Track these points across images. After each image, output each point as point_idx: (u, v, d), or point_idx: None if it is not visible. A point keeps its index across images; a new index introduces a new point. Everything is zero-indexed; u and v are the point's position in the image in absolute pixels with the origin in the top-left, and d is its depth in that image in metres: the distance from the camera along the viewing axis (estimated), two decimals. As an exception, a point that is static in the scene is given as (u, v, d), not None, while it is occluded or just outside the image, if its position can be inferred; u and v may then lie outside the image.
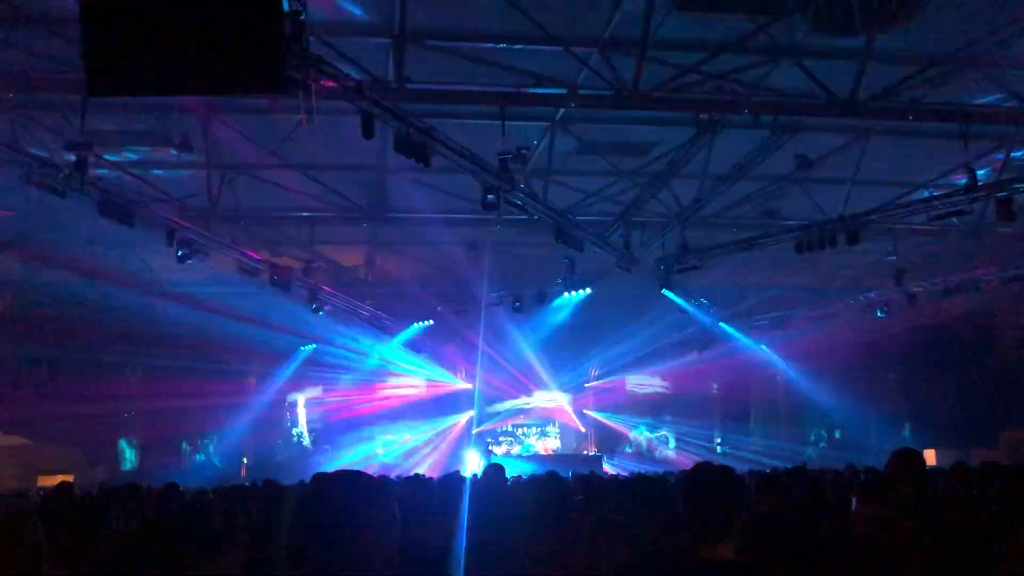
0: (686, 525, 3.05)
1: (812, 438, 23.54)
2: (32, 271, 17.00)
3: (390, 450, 23.23)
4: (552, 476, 7.46)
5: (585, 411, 25.10)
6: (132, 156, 13.22)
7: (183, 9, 6.27)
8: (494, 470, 6.67)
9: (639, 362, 23.61)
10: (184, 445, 21.66)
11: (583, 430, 25.02)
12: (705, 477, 3.15)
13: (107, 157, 12.40)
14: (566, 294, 16.91)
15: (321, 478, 2.20)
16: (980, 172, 12.29)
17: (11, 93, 10.44)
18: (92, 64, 6.44)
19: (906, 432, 20.95)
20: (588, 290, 16.82)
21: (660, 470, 15.29)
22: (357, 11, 10.02)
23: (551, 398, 24.64)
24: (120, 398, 19.91)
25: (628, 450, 24.67)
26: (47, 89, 10.33)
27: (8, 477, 16.38)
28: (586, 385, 25.05)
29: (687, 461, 19.59)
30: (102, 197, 11.46)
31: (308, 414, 23.73)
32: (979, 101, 11.49)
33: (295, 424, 23.52)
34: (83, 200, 11.41)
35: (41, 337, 17.29)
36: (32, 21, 9.29)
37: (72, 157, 10.81)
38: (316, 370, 22.33)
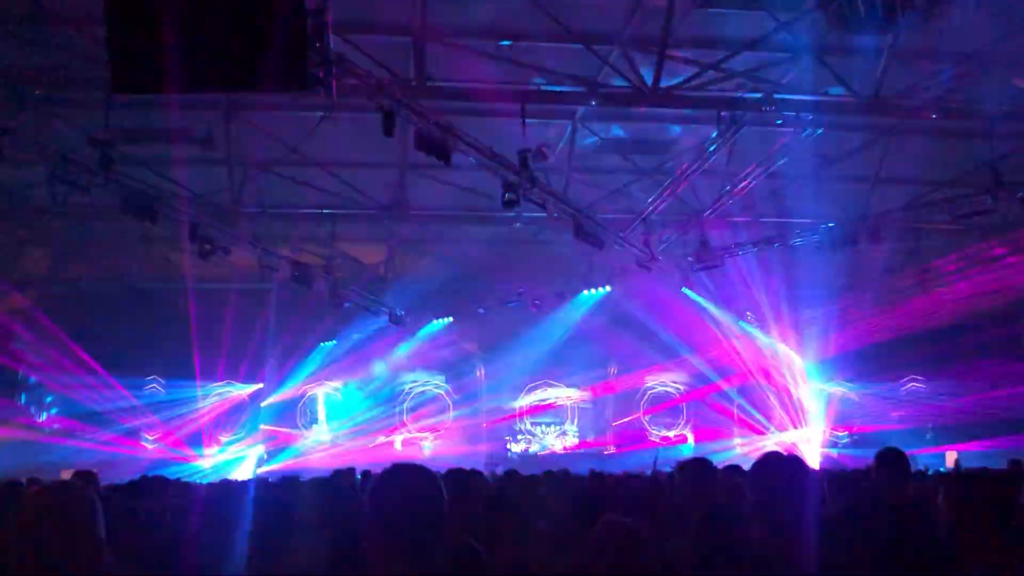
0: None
1: (833, 436, 23.33)
2: (57, 268, 17.23)
3: (408, 446, 23.27)
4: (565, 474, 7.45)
5: (605, 409, 25.03)
6: (155, 153, 13.31)
7: (206, 7, 6.32)
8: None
9: (659, 360, 23.53)
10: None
11: (602, 428, 24.95)
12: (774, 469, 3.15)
13: (130, 154, 12.51)
14: (585, 292, 16.89)
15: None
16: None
17: (37, 90, 10.57)
18: (116, 61, 6.50)
19: (929, 433, 20.75)
20: (607, 288, 16.78)
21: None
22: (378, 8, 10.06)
23: (570, 396, 24.60)
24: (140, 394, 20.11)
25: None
26: (71, 86, 10.44)
27: (31, 471, 16.52)
28: (606, 383, 24.97)
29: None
30: (125, 193, 11.56)
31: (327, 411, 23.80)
32: (1003, 98, 11.37)
33: (315, 420, 23.59)
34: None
35: (65, 333, 17.43)
36: (57, 19, 9.40)
37: (96, 154, 10.91)
38: (336, 366, 22.40)
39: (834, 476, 8.35)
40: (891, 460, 5.00)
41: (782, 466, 3.20)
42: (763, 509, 3.06)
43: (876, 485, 5.01)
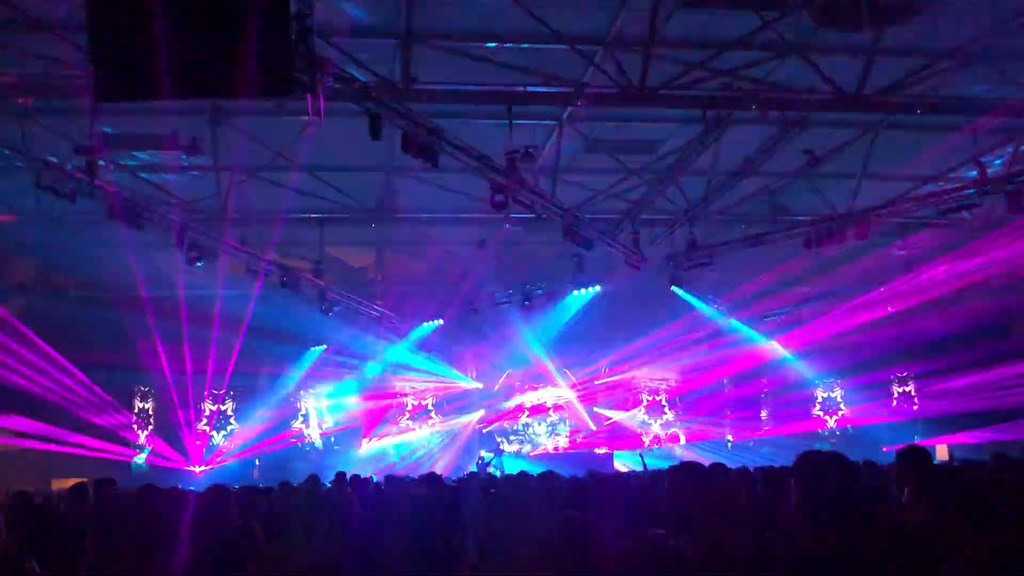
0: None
1: (824, 434, 23.42)
2: (45, 276, 17.14)
3: (401, 451, 23.26)
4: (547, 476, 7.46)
5: (596, 408, 25.06)
6: (141, 160, 13.27)
7: (190, 13, 6.30)
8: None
9: (649, 358, 23.60)
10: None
11: (593, 428, 24.98)
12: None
13: (116, 161, 12.46)
14: (575, 292, 16.94)
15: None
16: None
17: (20, 98, 10.51)
18: (99, 68, 6.47)
19: (918, 427, 20.89)
20: (597, 288, 16.83)
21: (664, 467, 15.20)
22: (363, 13, 10.04)
23: (561, 395, 24.62)
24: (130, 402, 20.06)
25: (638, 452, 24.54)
26: (55, 94, 10.39)
27: (22, 481, 16.42)
28: (596, 382, 25.01)
29: (699, 458, 19.55)
30: (111, 201, 11.52)
31: (318, 415, 23.74)
32: (987, 94, 11.46)
33: (306, 425, 23.55)
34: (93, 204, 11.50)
35: (52, 342, 17.35)
36: (40, 26, 9.34)
37: (81, 161, 10.87)
38: (327, 371, 22.38)
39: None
40: (912, 457, 5.05)
41: (826, 464, 3.21)
42: (810, 508, 3.05)
43: (899, 481, 5.04)
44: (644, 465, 11.39)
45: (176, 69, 6.42)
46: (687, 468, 3.85)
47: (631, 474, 13.51)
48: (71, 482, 9.63)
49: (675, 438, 24.61)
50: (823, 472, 3.13)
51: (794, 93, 10.90)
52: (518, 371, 23.80)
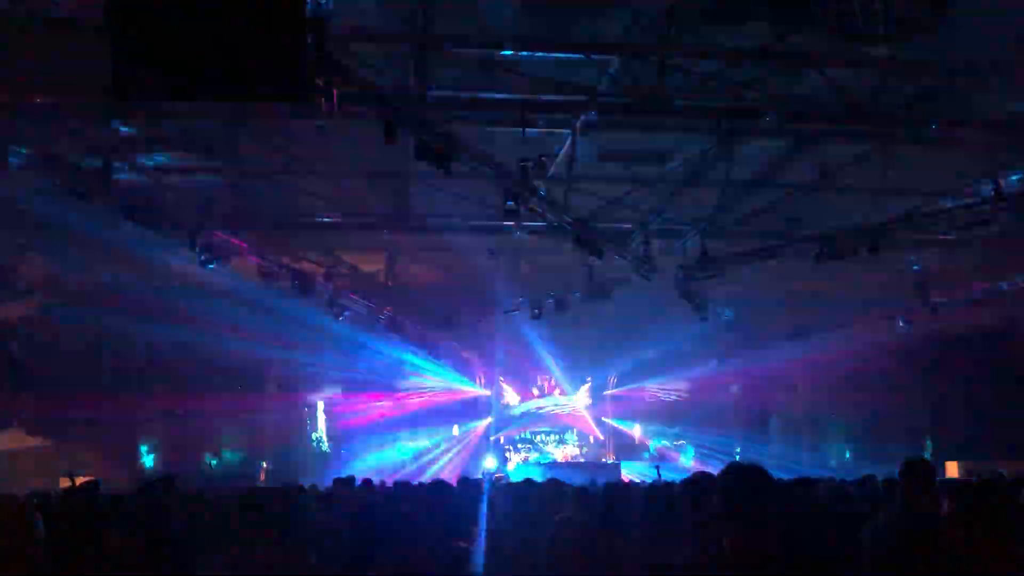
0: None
1: (833, 449, 23.33)
2: (58, 276, 17.23)
3: (409, 456, 23.26)
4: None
5: (603, 418, 25.04)
6: (156, 161, 13.32)
7: (208, 15, 6.33)
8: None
9: (659, 370, 23.57)
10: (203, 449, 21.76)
11: (601, 437, 24.95)
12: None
13: (131, 162, 12.51)
14: (585, 302, 16.95)
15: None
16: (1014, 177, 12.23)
17: (37, 97, 10.57)
18: (117, 69, 6.50)
19: (928, 443, 20.76)
20: (608, 296, 16.83)
21: (678, 478, 15.15)
22: (380, 18, 10.07)
23: (569, 405, 24.61)
24: (141, 402, 20.12)
25: (646, 456, 24.53)
26: (72, 93, 10.44)
27: (31, 479, 16.48)
28: (605, 392, 24.99)
29: (706, 470, 19.45)
30: (127, 201, 11.58)
31: (327, 418, 23.76)
32: (1005, 109, 11.39)
33: (314, 428, 23.58)
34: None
35: (65, 342, 17.44)
36: (57, 25, 9.39)
37: (97, 162, 10.93)
38: (336, 374, 22.43)
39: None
40: (918, 471, 5.07)
41: (746, 475, 3.39)
42: (732, 516, 3.23)
43: (905, 496, 5.04)
44: (659, 476, 11.38)
45: (193, 71, 6.45)
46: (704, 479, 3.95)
47: (643, 484, 13.43)
48: (79, 481, 9.64)
49: (682, 450, 24.56)
50: (744, 481, 3.32)
51: (809, 106, 10.87)
52: (527, 379, 23.82)
